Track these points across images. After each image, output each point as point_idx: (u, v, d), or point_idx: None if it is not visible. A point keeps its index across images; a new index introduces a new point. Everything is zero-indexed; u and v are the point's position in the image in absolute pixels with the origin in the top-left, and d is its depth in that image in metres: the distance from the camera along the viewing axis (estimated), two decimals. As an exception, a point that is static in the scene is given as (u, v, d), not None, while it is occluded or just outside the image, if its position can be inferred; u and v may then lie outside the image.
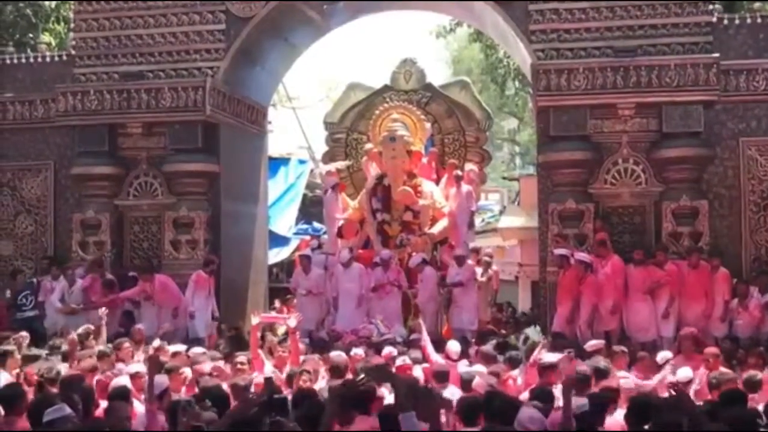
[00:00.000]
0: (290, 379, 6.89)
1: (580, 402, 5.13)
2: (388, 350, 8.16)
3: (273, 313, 11.97)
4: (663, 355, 7.86)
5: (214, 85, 11.63)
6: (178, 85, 11.58)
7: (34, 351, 8.02)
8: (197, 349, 8.34)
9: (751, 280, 10.41)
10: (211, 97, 11.51)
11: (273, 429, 3.93)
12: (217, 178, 11.94)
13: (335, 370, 6.99)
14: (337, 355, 7.58)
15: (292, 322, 8.17)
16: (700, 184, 10.84)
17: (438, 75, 22.68)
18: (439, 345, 8.81)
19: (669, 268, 10.22)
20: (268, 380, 6.63)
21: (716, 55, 10.57)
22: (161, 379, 6.08)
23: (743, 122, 10.88)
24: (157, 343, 8.78)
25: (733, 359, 8.22)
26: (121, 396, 5.79)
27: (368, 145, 12.89)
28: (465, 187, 12.26)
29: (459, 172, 12.39)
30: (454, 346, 8.36)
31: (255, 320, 8.31)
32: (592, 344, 8.43)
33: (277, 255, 15.95)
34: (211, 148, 11.88)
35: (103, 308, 9.88)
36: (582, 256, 10.32)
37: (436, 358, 7.87)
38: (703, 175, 10.87)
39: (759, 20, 10.99)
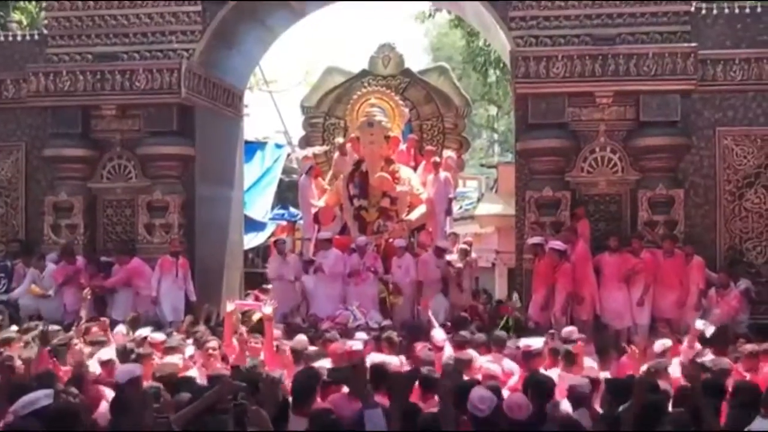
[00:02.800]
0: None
1: (582, 381, 5.12)
2: (349, 344, 7.97)
3: (248, 300, 11.87)
4: (662, 343, 7.82)
5: (190, 67, 11.47)
6: (153, 67, 11.40)
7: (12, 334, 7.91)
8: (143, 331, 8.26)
9: (725, 268, 10.49)
10: (186, 80, 11.36)
11: (237, 412, 3.91)
12: (192, 161, 11.82)
13: (296, 355, 6.94)
14: (299, 340, 7.51)
15: (268, 309, 8.08)
16: (676, 173, 10.90)
17: (417, 61, 22.60)
18: (416, 331, 8.80)
19: (644, 256, 10.29)
20: (236, 368, 6.58)
21: (694, 44, 10.60)
22: (131, 367, 6.00)
23: (720, 112, 10.94)
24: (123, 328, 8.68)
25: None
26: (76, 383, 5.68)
27: (339, 139, 12.82)
28: (443, 174, 12.24)
29: (437, 159, 12.36)
30: (439, 334, 8.28)
31: (230, 307, 8.22)
32: (568, 330, 8.43)
33: (252, 240, 15.83)
34: (186, 131, 11.75)
35: (87, 290, 9.78)
36: (556, 244, 10.33)
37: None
38: (679, 164, 10.93)
39: (736, 10, 11.02)
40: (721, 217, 10.90)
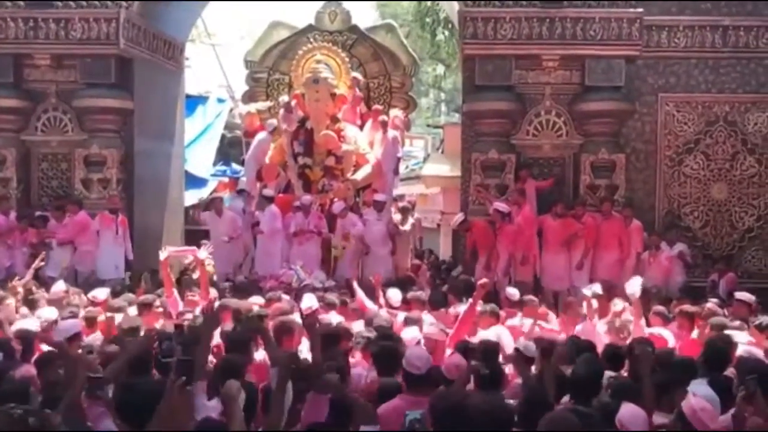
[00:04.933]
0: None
1: (528, 344, 5.18)
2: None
3: (184, 247, 11.64)
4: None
5: (129, 17, 11.07)
6: (90, 16, 10.98)
7: None
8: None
9: (661, 232, 10.74)
10: (125, 30, 10.98)
11: (181, 366, 3.90)
12: (131, 115, 11.51)
13: (236, 315, 6.91)
14: (235, 301, 7.44)
15: (202, 254, 7.95)
16: (618, 137, 11.03)
17: (363, 18, 22.23)
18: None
19: (586, 220, 10.45)
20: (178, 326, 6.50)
21: (640, 10, 10.65)
22: (72, 324, 5.87)
23: (663, 78, 11.07)
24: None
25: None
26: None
27: (284, 97, 12.59)
28: (391, 133, 12.16)
29: (385, 118, 12.25)
30: (395, 295, 8.24)
31: (163, 255, 8.03)
32: (510, 292, 8.48)
33: (193, 196, 15.54)
34: (125, 83, 11.41)
35: (42, 253, 9.52)
36: (500, 206, 10.41)
37: (372, 306, 7.79)
38: (622, 129, 11.05)
39: (683, -23, 11.10)
40: (660, 182, 11.11)
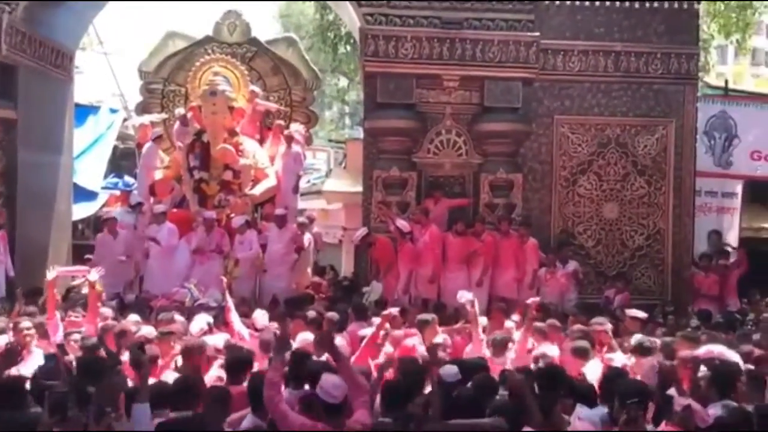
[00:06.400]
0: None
1: (451, 371, 5.10)
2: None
3: (73, 267, 11.09)
4: (480, 322, 7.99)
5: (12, 23, 10.50)
6: (-32, 20, 10.33)
7: None
8: None
9: (553, 250, 10.98)
10: (7, 36, 10.42)
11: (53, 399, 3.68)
12: (14, 125, 10.92)
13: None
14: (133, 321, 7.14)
15: (93, 276, 7.56)
16: (516, 158, 11.23)
17: (264, 29, 21.98)
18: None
19: (485, 238, 10.58)
20: (60, 346, 6.18)
21: (537, 33, 10.90)
22: None
23: (558, 100, 11.35)
24: None
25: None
26: None
27: (180, 110, 12.26)
28: (295, 148, 12.01)
29: (291, 132, 12.10)
30: (261, 317, 8.08)
31: (51, 274, 7.59)
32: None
33: (83, 210, 14.86)
34: (8, 92, 10.84)
35: None
36: (401, 224, 10.42)
37: (240, 328, 7.55)
38: (520, 150, 11.26)
39: (577, 2, 11.39)
40: (555, 202, 11.37)
